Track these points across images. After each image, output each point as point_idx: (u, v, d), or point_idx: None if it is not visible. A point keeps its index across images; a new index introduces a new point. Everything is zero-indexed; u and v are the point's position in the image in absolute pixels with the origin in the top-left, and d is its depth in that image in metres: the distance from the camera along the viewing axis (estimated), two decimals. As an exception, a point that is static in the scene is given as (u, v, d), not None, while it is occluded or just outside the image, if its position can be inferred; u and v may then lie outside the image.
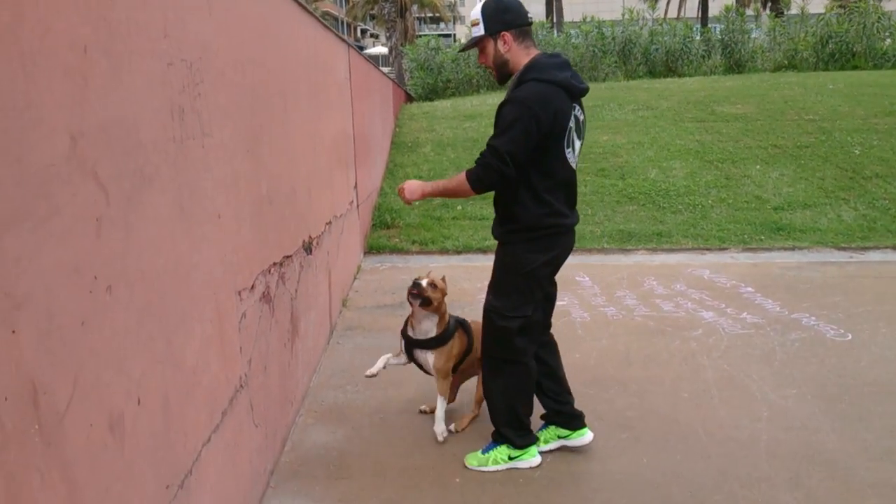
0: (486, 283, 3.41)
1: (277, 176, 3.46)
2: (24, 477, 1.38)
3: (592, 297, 6.13)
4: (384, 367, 3.72)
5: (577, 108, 3.24)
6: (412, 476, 3.34)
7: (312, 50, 4.55)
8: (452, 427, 3.75)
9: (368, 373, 3.65)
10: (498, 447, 3.42)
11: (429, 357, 3.62)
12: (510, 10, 3.18)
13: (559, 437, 3.57)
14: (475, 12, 3.23)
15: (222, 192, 2.61)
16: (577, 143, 3.29)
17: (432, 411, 3.97)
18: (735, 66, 18.74)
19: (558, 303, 5.88)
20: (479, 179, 3.17)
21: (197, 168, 2.34)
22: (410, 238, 8.04)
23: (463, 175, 3.22)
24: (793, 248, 7.79)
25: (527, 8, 3.38)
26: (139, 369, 1.89)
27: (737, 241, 7.96)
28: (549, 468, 3.41)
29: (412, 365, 3.77)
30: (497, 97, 15.50)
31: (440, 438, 3.55)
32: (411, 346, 3.67)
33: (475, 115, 13.06)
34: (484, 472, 3.38)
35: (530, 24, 3.28)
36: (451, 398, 3.98)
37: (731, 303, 5.89)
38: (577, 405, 3.87)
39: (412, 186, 3.42)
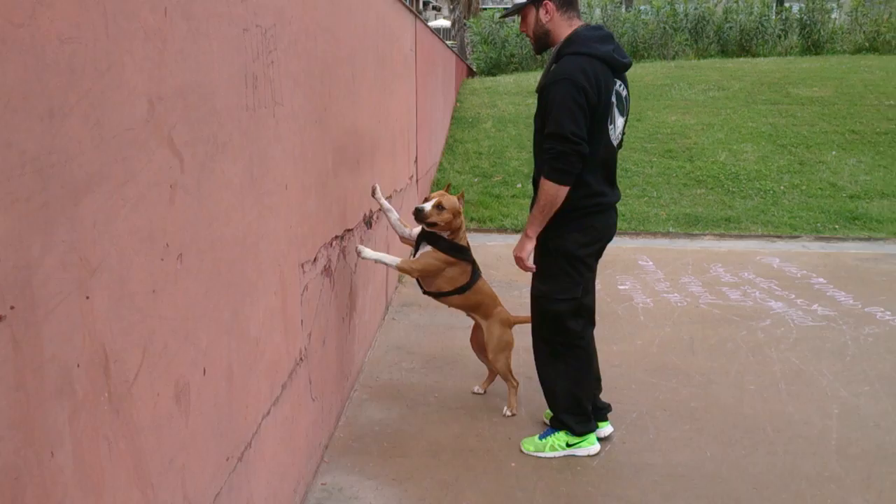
0: None
1: (343, 147, 3.41)
2: (93, 444, 1.37)
3: (656, 282, 6.00)
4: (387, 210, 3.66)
5: (620, 83, 3.12)
6: (467, 458, 3.29)
7: (381, 19, 4.48)
8: (507, 411, 3.68)
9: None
10: (556, 433, 3.36)
11: (426, 247, 3.53)
12: None
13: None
14: None
15: (290, 163, 2.57)
16: (620, 120, 3.17)
17: (485, 391, 3.92)
18: (812, 47, 18.01)
19: (620, 287, 5.85)
20: (558, 171, 3.00)
21: (268, 137, 2.30)
22: (469, 215, 7.97)
23: (543, 182, 3.05)
24: (868, 239, 7.52)
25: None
26: (206, 339, 1.86)
27: (809, 230, 7.72)
28: (607, 457, 3.33)
29: (465, 347, 3.68)
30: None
31: (362, 254, 3.42)
32: (425, 235, 3.55)
33: (537, 92, 12.86)
34: (540, 457, 3.32)
35: None
36: (490, 379, 3.93)
37: (801, 293, 5.71)
38: (640, 393, 3.84)
39: (519, 247, 3.22)
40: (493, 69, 18.20)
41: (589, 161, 3.05)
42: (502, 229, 7.71)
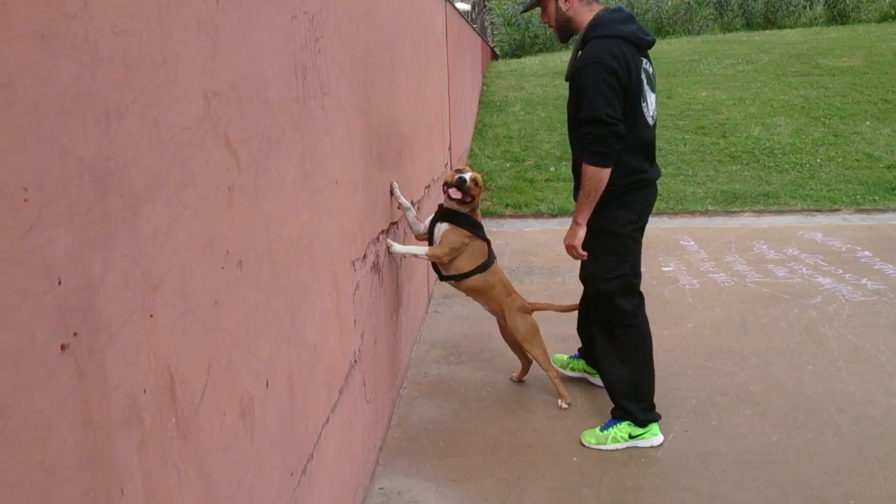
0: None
1: (386, 138, 3.28)
2: (162, 475, 1.25)
3: (700, 262, 5.81)
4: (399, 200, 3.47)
5: (646, 61, 3.13)
6: (526, 454, 3.17)
7: (415, 3, 4.33)
8: (561, 403, 3.55)
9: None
10: (618, 424, 3.25)
11: (443, 227, 3.40)
12: None
13: (585, 371, 3.74)
14: None
15: (339, 157, 2.44)
16: (651, 97, 3.16)
17: (521, 381, 3.83)
18: (838, 16, 17.63)
19: (664, 269, 5.67)
20: (598, 154, 2.98)
21: (317, 130, 2.17)
22: (503, 201, 7.81)
23: (585, 168, 3.03)
24: (908, 210, 7.27)
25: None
26: (267, 350, 1.74)
27: (849, 203, 7.48)
28: (672, 447, 3.20)
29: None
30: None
31: (391, 249, 3.25)
32: (441, 216, 3.44)
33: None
34: (602, 450, 3.20)
35: None
36: (524, 370, 3.84)
37: (848, 268, 5.51)
38: (697, 379, 3.84)
39: (570, 235, 3.17)
40: (517, 51, 17.98)
41: (627, 140, 3.02)
42: (538, 214, 7.54)
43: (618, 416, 3.28)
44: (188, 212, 1.33)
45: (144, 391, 1.19)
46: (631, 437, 3.22)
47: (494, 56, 16.85)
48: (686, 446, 3.20)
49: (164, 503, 1.26)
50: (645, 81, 3.06)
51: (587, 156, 3.00)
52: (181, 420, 1.32)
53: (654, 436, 3.24)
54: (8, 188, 0.86)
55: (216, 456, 1.46)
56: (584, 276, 3.30)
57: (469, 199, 3.38)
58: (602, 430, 3.27)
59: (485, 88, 12.04)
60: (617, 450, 3.20)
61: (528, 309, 3.60)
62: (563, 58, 14.21)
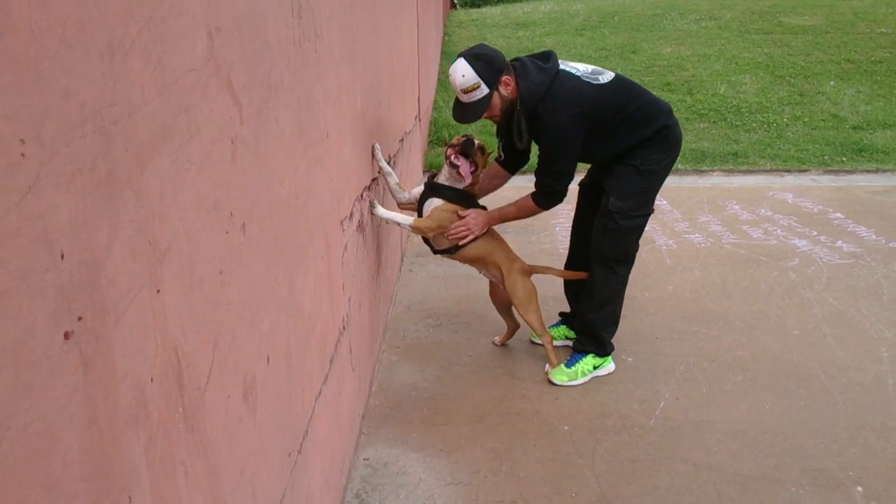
0: (558, 208, 3.33)
1: (368, 87, 3.07)
2: (170, 475, 1.08)
3: (674, 222, 5.73)
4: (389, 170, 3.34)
5: (573, 67, 3.16)
6: (515, 422, 3.05)
7: (392, -55, 4.07)
8: (549, 369, 3.44)
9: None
10: (584, 358, 3.41)
11: (434, 202, 3.25)
12: (495, 58, 3.04)
13: (567, 338, 3.70)
14: (468, 79, 2.98)
15: (330, 106, 2.24)
16: (580, 67, 3.17)
17: (503, 345, 3.70)
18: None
19: (639, 229, 5.59)
20: (549, 203, 3.24)
21: (310, 77, 1.97)
22: (469, 156, 7.61)
23: (531, 202, 3.25)
24: (876, 171, 7.30)
25: None
26: (268, 322, 1.57)
27: (817, 163, 7.48)
28: (664, 415, 3.11)
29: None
30: (549, 5, 14.72)
31: (374, 210, 3.11)
32: (432, 190, 3.28)
33: (528, 23, 12.36)
34: (574, 386, 3.33)
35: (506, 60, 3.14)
36: (509, 334, 3.72)
37: (822, 230, 5.49)
38: (682, 344, 3.77)
39: (478, 222, 3.24)
40: (477, 0, 17.59)
41: (630, 119, 3.13)
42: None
43: (581, 349, 3.41)
44: (194, 168, 1.14)
45: (151, 380, 1.01)
46: (594, 367, 3.39)
47: (453, 5, 16.46)
48: (679, 414, 3.12)
49: (173, 505, 1.09)
50: (581, 75, 3.10)
51: (540, 199, 3.21)
52: (188, 409, 1.14)
53: (608, 364, 3.44)
54: (3, 139, 0.67)
55: (221, 445, 1.29)
56: (612, 211, 3.22)
57: (475, 169, 3.25)
58: (568, 366, 3.38)
59: (447, 38, 11.74)
60: (583, 384, 3.35)
61: (529, 272, 3.46)
62: (524, 9, 13.93)
